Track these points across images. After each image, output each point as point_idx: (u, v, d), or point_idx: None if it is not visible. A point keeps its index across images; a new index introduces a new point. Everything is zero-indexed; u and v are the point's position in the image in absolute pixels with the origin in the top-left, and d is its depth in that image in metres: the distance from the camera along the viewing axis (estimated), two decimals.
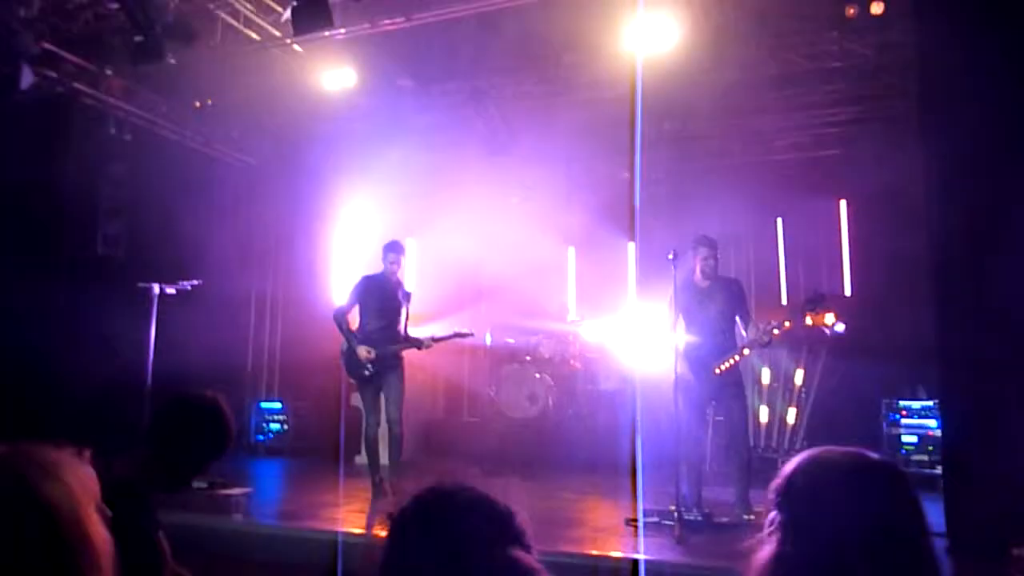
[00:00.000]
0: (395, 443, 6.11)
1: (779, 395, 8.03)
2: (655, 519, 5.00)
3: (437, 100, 8.07)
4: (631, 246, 9.84)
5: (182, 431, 2.47)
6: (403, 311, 6.36)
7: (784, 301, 9.02)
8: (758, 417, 7.91)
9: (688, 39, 6.62)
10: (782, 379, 8.04)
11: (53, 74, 7.10)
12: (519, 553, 1.16)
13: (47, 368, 6.63)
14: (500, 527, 1.18)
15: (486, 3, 5.69)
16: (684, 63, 7.02)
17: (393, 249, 6.37)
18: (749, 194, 8.35)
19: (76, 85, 7.39)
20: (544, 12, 6.08)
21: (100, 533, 1.15)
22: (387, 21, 6.31)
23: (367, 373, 6.12)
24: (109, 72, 7.46)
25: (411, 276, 10.16)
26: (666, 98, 7.21)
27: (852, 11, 6.03)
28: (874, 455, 1.38)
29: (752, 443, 7.04)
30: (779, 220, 9.26)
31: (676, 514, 4.88)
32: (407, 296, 6.46)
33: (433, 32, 6.54)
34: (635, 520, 4.95)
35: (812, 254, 9.04)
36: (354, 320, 6.40)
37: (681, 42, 6.65)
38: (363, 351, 6.09)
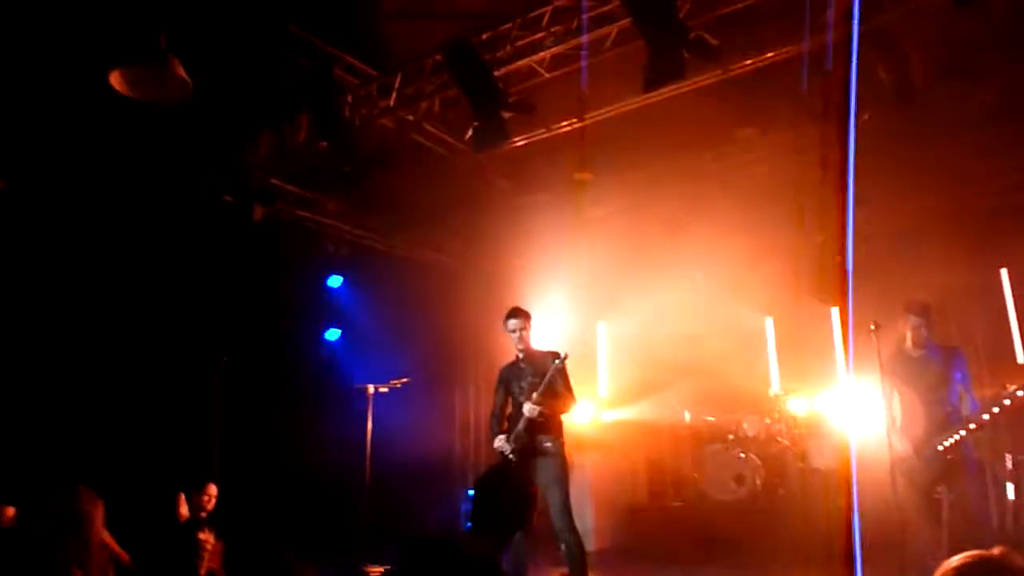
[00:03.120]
0: (570, 557, 4.99)
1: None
2: None
3: (614, 189, 8.29)
4: (835, 311, 9.33)
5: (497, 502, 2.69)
6: (537, 389, 5.08)
7: (1021, 360, 8.09)
8: (1004, 497, 7.02)
9: (874, 92, 6.37)
10: None
11: (279, 205, 8.16)
12: None
13: (287, 463, 7.41)
14: None
15: (656, 95, 5.85)
16: (871, 120, 6.75)
17: (509, 318, 5.37)
18: (964, 246, 7.68)
19: (298, 212, 8.43)
20: (711, 92, 6.14)
21: None
22: (563, 123, 6.67)
23: None
24: (325, 198, 8.45)
25: (602, 360, 10.30)
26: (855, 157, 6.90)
27: None
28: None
29: (995, 525, 6.27)
30: (1003, 271, 8.40)
31: None
32: (546, 363, 5.19)
33: (606, 125, 6.80)
34: None
35: None
36: None
37: (864, 100, 6.40)
38: (496, 442, 5.26)
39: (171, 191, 7.20)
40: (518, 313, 5.39)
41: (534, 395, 5.07)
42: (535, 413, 5.04)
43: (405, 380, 7.30)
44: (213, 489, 5.42)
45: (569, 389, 5.25)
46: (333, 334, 9.20)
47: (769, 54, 5.73)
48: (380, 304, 9.29)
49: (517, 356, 5.40)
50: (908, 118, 6.88)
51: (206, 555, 4.93)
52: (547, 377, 5.07)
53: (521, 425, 5.10)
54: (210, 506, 5.32)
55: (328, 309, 9.28)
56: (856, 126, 6.91)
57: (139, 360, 6.80)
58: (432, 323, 9.72)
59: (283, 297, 8.38)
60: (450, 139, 7.40)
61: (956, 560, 1.46)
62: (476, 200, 8.89)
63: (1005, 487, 7.02)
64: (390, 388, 7.30)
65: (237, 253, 7.77)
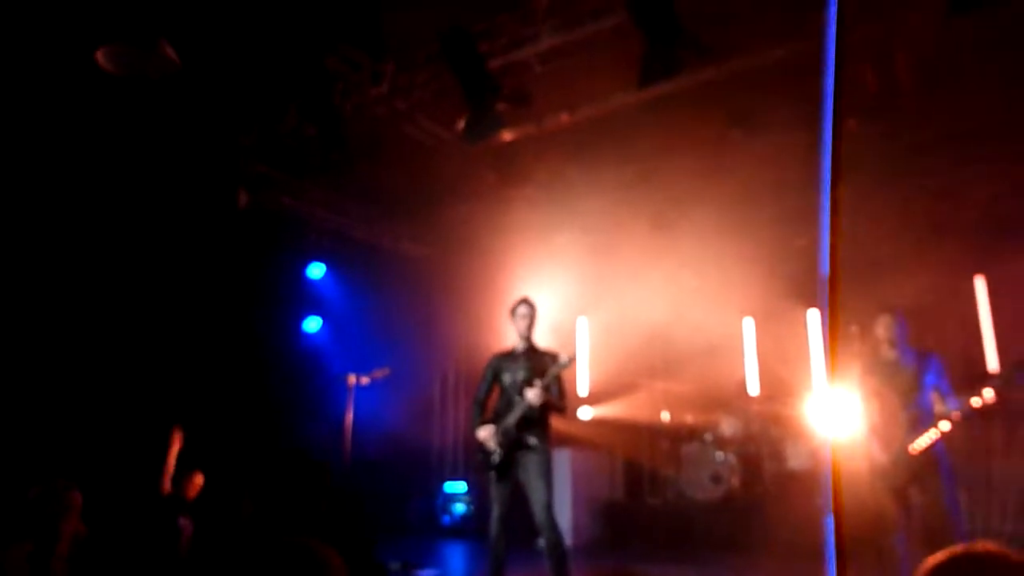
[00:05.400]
0: (551, 554, 4.91)
1: (998, 473, 7.23)
2: None
3: (602, 184, 8.32)
4: (812, 314, 9.45)
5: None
6: (535, 382, 5.02)
7: (994, 368, 8.24)
8: (975, 498, 7.15)
9: (859, 103, 6.46)
10: (1000, 455, 7.25)
11: (265, 192, 8.08)
12: None
13: (266, 452, 7.36)
14: None
15: (645, 92, 5.88)
16: (858, 128, 6.85)
17: (520, 304, 5.33)
18: (942, 254, 7.81)
19: (282, 199, 8.36)
20: (703, 92, 6.18)
21: None
22: (551, 118, 6.67)
23: (494, 460, 5.07)
24: (309, 185, 8.38)
25: (583, 355, 10.33)
26: (840, 163, 6.99)
27: None
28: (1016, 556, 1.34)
29: (967, 527, 6.37)
30: (980, 279, 8.55)
31: None
32: (544, 362, 5.18)
33: (596, 122, 6.81)
34: None
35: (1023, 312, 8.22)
36: None
37: (852, 107, 6.50)
38: (481, 432, 5.14)
39: (158, 175, 7.10)
40: (529, 301, 5.37)
41: (538, 382, 4.99)
42: (539, 400, 4.95)
43: (387, 371, 7.26)
44: (199, 479, 5.34)
45: (564, 393, 5.22)
46: (314, 323, 9.14)
47: (760, 55, 5.79)
48: (362, 295, 9.25)
49: (514, 347, 5.34)
50: (896, 126, 6.98)
51: (185, 541, 4.87)
52: (553, 372, 5.04)
53: (512, 420, 5.05)
54: (192, 494, 5.25)
55: (309, 298, 9.23)
56: (841, 132, 7.04)
57: (119, 344, 6.71)
58: (414, 315, 9.70)
59: (264, 284, 8.32)
60: (440, 130, 7.36)
61: (939, 555, 1.45)
62: (463, 193, 8.87)
63: (976, 489, 7.16)
64: (371, 379, 7.25)
65: (220, 239, 7.69)
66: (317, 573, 1.46)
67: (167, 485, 4.92)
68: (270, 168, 7.92)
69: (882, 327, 5.51)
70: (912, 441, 5.16)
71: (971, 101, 6.75)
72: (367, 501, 7.90)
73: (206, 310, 7.67)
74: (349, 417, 7.06)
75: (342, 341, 8.93)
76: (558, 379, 5.15)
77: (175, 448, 5.11)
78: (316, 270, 9.29)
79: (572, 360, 5.10)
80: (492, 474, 5.15)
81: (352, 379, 7.10)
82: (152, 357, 7.05)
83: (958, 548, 1.47)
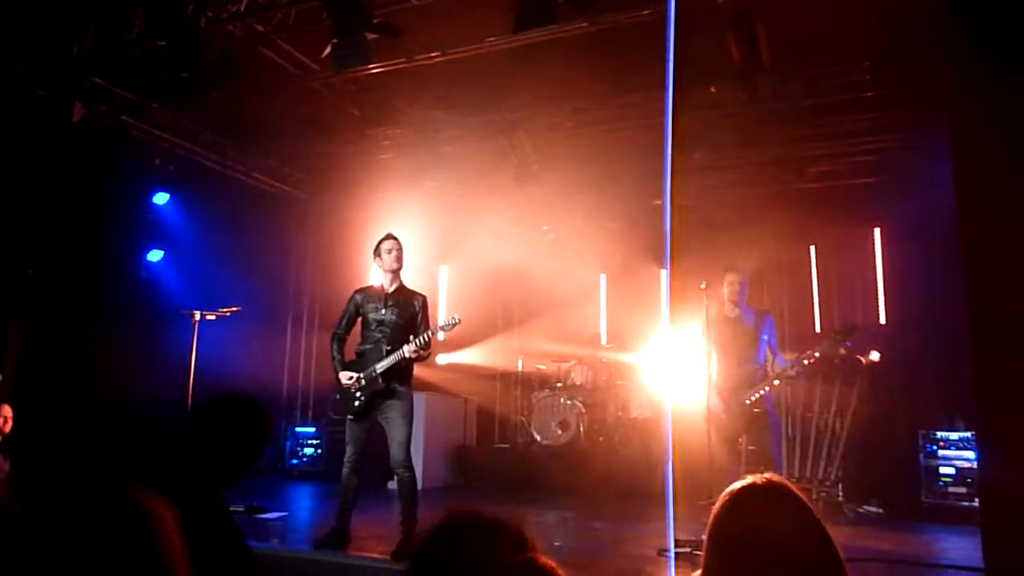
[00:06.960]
0: (404, 490, 4.94)
1: (814, 425, 7.93)
2: (688, 550, 4.99)
3: (471, 131, 8.22)
4: (663, 273, 9.89)
5: (225, 428, 2.45)
6: (400, 325, 5.05)
7: (818, 330, 8.97)
8: (793, 447, 7.82)
9: (721, 71, 6.69)
10: (817, 409, 7.95)
11: (102, 107, 7.37)
12: (535, 555, 1.26)
13: (96, 390, 6.85)
14: (510, 541, 1.27)
15: (519, 39, 5.81)
16: (717, 95, 7.10)
17: (387, 239, 5.21)
18: (782, 222, 8.33)
19: (123, 117, 7.66)
20: (575, 46, 6.18)
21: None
22: (422, 56, 6.47)
23: (356, 404, 5.02)
24: (155, 105, 7.72)
25: (442, 304, 10.32)
26: (698, 128, 7.27)
27: None
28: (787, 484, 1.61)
29: (785, 473, 6.97)
30: (812, 248, 9.23)
31: None
32: (412, 304, 5.16)
33: (467, 65, 6.68)
34: (667, 551, 4.96)
35: (846, 282, 8.98)
36: None
37: (714, 74, 6.74)
38: (344, 377, 5.09)
39: None
40: (394, 236, 5.22)
41: (416, 339, 4.94)
42: (415, 356, 4.94)
43: (235, 309, 6.92)
44: (7, 411, 4.89)
45: (431, 342, 5.15)
46: (155, 255, 8.53)
47: (629, 13, 5.83)
48: (212, 228, 8.71)
49: (381, 284, 5.21)
50: (753, 96, 7.29)
51: (2, 480, 4.48)
52: (430, 332, 4.98)
53: (380, 368, 4.97)
54: (6, 429, 4.80)
55: (151, 227, 8.59)
56: (701, 97, 7.31)
57: None
58: (268, 253, 9.27)
59: (100, 209, 7.64)
60: (302, 57, 6.96)
61: (736, 484, 1.64)
62: (323, 127, 8.47)
63: (795, 439, 7.83)
64: (218, 316, 6.89)
65: (50, 156, 6.97)
66: (135, 522, 1.30)
67: None
68: (110, 83, 7.22)
69: (726, 286, 5.85)
70: (746, 394, 5.55)
71: (819, 78, 7.16)
72: None
73: (34, 231, 6.97)
74: (192, 355, 6.70)
75: (187, 275, 8.40)
76: (428, 329, 5.10)
77: None
78: (160, 198, 8.65)
79: (457, 323, 5.11)
80: (350, 416, 5.09)
81: (197, 315, 6.73)
82: None
83: (753, 478, 1.65)
